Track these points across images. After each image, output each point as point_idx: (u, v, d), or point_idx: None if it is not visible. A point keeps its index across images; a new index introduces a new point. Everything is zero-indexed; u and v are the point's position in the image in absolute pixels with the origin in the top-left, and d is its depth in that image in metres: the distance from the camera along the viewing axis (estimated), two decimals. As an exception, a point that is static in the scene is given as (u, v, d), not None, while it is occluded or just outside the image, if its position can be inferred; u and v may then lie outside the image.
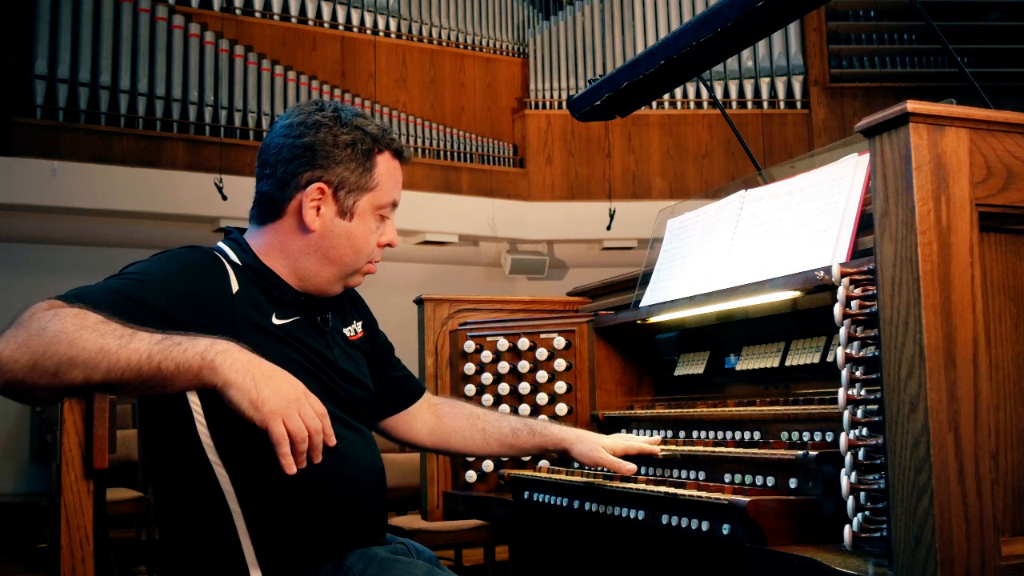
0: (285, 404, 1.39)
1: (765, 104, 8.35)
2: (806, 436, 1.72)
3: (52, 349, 1.34)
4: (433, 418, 2.04)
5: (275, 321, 1.66)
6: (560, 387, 2.38)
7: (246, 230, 1.79)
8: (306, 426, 1.40)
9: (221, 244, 1.74)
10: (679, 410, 2.12)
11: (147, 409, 1.64)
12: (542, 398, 2.38)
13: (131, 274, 1.58)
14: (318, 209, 1.70)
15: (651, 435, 2.14)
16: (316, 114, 1.73)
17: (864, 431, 1.33)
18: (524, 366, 2.42)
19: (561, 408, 2.37)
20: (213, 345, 1.41)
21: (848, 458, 1.34)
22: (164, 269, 1.60)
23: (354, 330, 1.87)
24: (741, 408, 1.92)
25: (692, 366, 2.27)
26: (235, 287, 1.64)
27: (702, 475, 1.81)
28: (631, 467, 1.91)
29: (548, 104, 8.46)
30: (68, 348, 1.35)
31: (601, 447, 1.96)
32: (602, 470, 2.06)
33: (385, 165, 1.75)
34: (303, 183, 1.69)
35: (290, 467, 1.39)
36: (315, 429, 1.41)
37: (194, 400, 1.55)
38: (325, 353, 1.72)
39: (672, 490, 1.65)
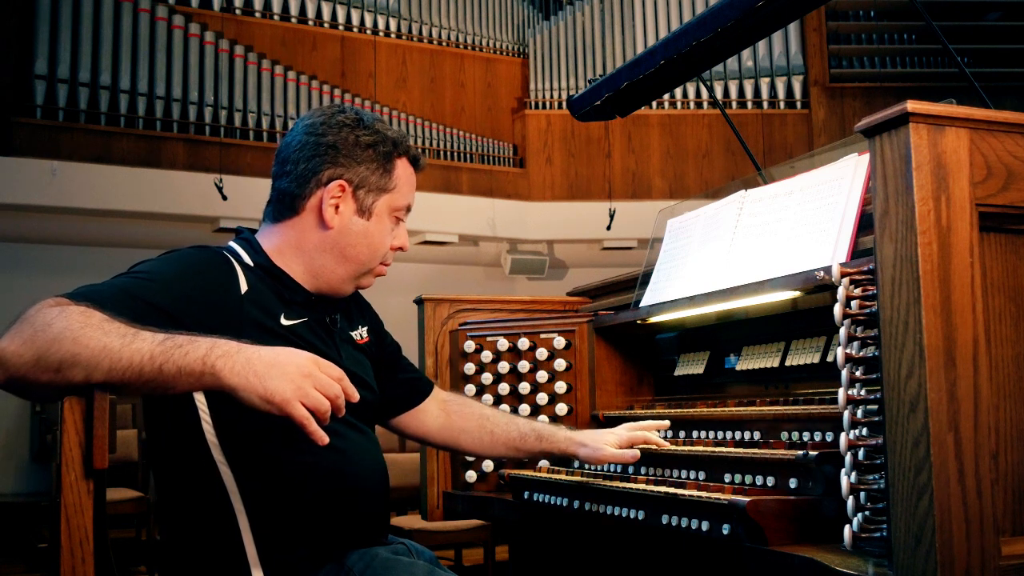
0: (296, 386, 1.40)
1: (765, 104, 8.35)
2: (806, 436, 1.72)
3: (56, 346, 1.34)
4: (443, 415, 2.05)
5: (283, 321, 1.67)
6: (560, 387, 2.37)
7: (257, 230, 1.79)
8: (325, 395, 1.41)
9: (232, 244, 1.74)
10: (679, 410, 2.12)
11: (152, 407, 1.63)
12: (542, 398, 2.38)
13: (139, 273, 1.58)
14: (337, 207, 1.73)
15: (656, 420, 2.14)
16: (338, 115, 1.77)
17: (864, 431, 1.33)
18: (524, 366, 2.42)
19: (561, 408, 2.37)
20: (213, 349, 1.40)
21: (848, 458, 1.34)
22: (172, 269, 1.60)
23: (360, 335, 1.88)
24: (741, 408, 1.92)
25: (692, 366, 2.27)
26: (244, 287, 1.64)
27: (702, 475, 1.81)
28: (634, 454, 1.93)
29: (548, 104, 8.46)
30: (72, 345, 1.35)
31: (605, 445, 1.97)
32: (602, 468, 2.06)
33: (403, 169, 1.80)
34: (324, 180, 1.72)
35: (322, 439, 1.41)
36: (334, 395, 1.42)
37: (200, 399, 1.55)
38: (331, 354, 1.72)
39: (672, 490, 1.65)
